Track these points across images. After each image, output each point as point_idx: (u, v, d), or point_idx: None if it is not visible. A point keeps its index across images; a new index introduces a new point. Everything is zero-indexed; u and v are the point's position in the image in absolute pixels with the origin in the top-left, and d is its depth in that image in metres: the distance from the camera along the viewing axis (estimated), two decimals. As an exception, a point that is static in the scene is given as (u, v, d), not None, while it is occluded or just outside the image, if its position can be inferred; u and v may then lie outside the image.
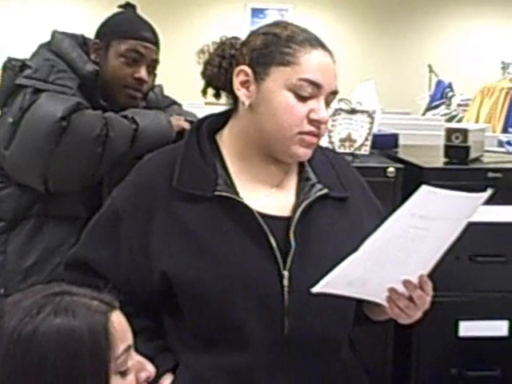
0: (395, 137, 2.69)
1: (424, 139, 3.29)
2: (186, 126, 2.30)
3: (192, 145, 1.68)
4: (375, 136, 2.47)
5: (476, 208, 1.47)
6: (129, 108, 2.23)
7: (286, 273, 1.58)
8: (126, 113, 2.19)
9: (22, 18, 10.01)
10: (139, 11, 2.36)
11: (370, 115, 2.41)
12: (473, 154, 2.36)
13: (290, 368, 1.61)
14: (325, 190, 1.67)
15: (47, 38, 2.31)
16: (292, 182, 1.71)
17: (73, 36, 2.32)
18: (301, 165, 1.71)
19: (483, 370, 2.27)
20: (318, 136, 1.63)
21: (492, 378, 2.27)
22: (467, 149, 2.33)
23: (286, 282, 1.58)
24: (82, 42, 2.32)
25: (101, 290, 1.63)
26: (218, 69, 1.69)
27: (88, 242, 1.74)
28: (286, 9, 10.65)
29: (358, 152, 2.37)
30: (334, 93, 1.65)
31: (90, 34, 2.32)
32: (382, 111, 4.21)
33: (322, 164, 1.73)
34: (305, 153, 1.64)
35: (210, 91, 1.75)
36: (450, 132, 2.37)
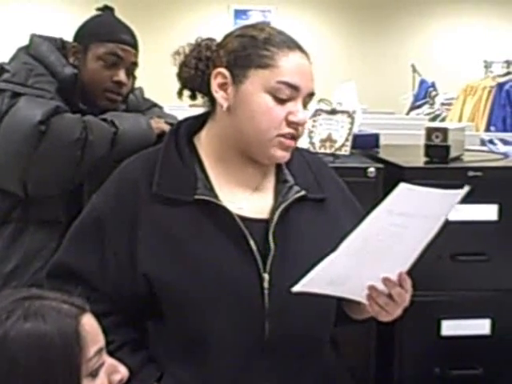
0: (376, 137, 2.69)
1: (406, 139, 3.29)
2: (167, 128, 2.29)
3: (171, 148, 1.68)
4: (356, 136, 2.47)
5: (454, 205, 1.47)
6: (108, 111, 2.22)
7: (266, 275, 1.59)
8: (105, 116, 2.18)
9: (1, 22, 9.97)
10: (121, 14, 2.35)
11: (351, 115, 2.41)
12: (453, 153, 2.36)
13: (271, 370, 1.61)
14: (302, 192, 1.67)
15: (25, 42, 2.30)
16: (270, 183, 1.71)
17: (51, 39, 2.30)
18: (278, 166, 1.72)
19: (466, 368, 2.27)
20: (295, 138, 1.64)
21: (475, 376, 2.27)
22: (447, 148, 2.33)
23: (266, 285, 1.58)
24: (60, 45, 2.30)
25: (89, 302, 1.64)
26: (195, 71, 1.69)
27: (71, 250, 1.72)
28: (268, 10, 10.65)
29: (338, 152, 2.37)
30: (311, 94, 1.65)
31: (69, 37, 2.31)
32: (365, 111, 4.22)
33: (299, 165, 1.73)
34: (283, 155, 1.65)
35: (186, 93, 1.75)
36: (430, 131, 2.37)
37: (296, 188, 1.67)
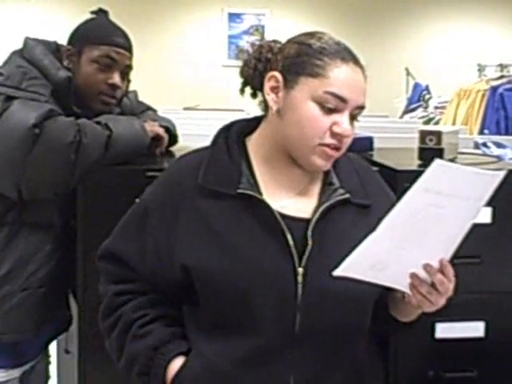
0: (370, 140, 2.68)
1: (401, 142, 3.29)
2: (161, 131, 2.31)
3: (220, 145, 1.73)
4: (350, 139, 2.46)
5: (491, 189, 1.47)
6: (102, 114, 2.22)
7: (300, 269, 1.62)
8: (99, 119, 2.18)
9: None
10: (116, 16, 2.36)
11: (345, 119, 2.40)
12: (447, 156, 2.36)
13: (301, 361, 1.64)
14: (346, 195, 1.70)
15: (19, 45, 2.30)
16: (316, 188, 1.74)
17: (45, 42, 2.31)
18: (326, 171, 1.75)
19: (460, 371, 2.27)
20: (339, 149, 1.66)
21: (469, 379, 2.27)
22: (441, 151, 2.33)
23: (300, 279, 1.61)
24: (54, 48, 2.31)
25: (130, 281, 1.75)
26: (253, 71, 1.73)
27: (119, 236, 1.79)
28: (263, 13, 10.66)
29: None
30: (361, 107, 1.68)
31: (63, 40, 2.31)
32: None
33: (347, 170, 1.76)
34: (324, 164, 1.67)
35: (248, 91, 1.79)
36: (423, 134, 2.37)
37: (341, 191, 1.70)
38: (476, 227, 2.21)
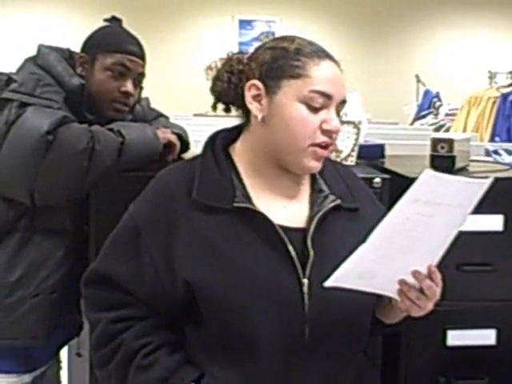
0: (382, 147, 2.68)
1: (411, 149, 3.29)
2: (173, 138, 2.31)
3: (209, 158, 1.72)
4: (362, 146, 2.47)
5: (478, 196, 1.48)
6: (115, 121, 2.23)
7: (305, 280, 1.62)
8: (112, 126, 2.19)
9: (7, 32, 10.00)
10: (126, 23, 2.37)
11: (356, 126, 2.41)
12: (459, 164, 2.36)
13: (313, 371, 1.64)
14: (338, 201, 1.71)
15: (33, 52, 2.31)
16: (305, 193, 1.75)
17: (59, 50, 2.32)
18: (313, 176, 1.76)
19: (472, 378, 2.26)
20: (328, 147, 1.67)
21: (480, 386, 2.27)
22: (453, 158, 2.33)
23: (305, 290, 1.61)
24: (67, 55, 2.32)
25: (126, 306, 1.68)
26: (228, 84, 1.73)
27: (109, 257, 1.74)
28: (273, 20, 10.68)
29: (344, 163, 2.37)
30: (344, 102, 1.69)
31: (77, 47, 2.33)
32: (369, 121, 4.22)
33: (332, 176, 1.78)
34: (315, 166, 1.68)
35: (220, 106, 1.78)
36: (435, 142, 2.37)
37: (331, 197, 1.71)
38: (488, 235, 2.23)
